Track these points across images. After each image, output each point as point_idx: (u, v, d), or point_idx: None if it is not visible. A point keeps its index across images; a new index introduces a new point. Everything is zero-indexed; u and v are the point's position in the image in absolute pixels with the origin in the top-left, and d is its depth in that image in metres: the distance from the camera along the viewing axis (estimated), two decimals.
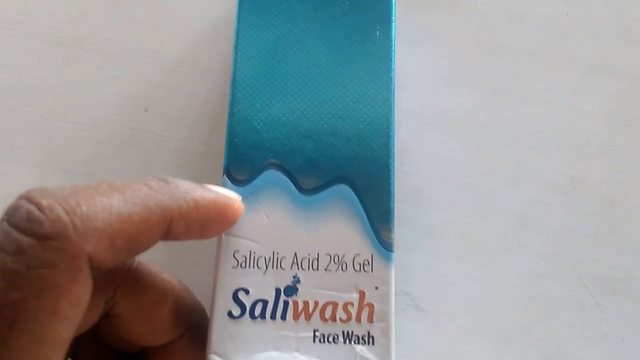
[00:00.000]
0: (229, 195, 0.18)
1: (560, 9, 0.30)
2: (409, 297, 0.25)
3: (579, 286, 0.26)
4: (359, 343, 0.18)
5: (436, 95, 0.29)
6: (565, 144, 0.28)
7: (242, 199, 0.19)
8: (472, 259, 0.26)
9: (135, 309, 0.18)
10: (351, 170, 0.20)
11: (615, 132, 0.28)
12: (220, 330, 0.18)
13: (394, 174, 0.20)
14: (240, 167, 0.20)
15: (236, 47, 0.21)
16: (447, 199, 0.27)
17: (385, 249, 0.19)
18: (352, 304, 0.18)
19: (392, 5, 0.22)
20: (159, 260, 0.25)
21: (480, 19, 0.30)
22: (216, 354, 0.18)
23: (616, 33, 0.30)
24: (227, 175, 0.20)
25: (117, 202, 0.15)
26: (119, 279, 0.18)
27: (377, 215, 0.19)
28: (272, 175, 0.20)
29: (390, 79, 0.21)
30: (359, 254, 0.19)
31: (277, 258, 0.19)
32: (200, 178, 0.26)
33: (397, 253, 0.25)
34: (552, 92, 0.29)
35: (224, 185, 0.20)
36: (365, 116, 0.20)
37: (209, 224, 0.18)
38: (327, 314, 0.18)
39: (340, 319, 0.18)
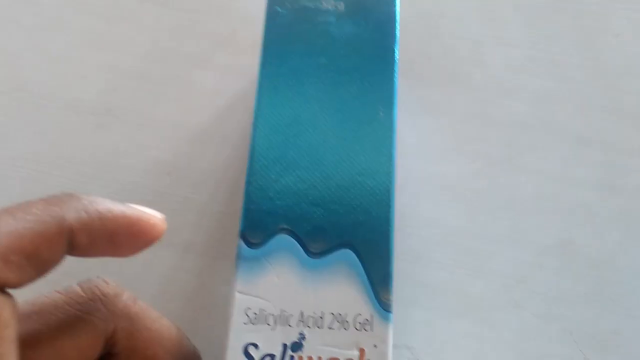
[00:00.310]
0: (145, 210, 0.18)
1: (550, 85, 0.32)
2: (410, 352, 0.27)
3: (569, 342, 0.27)
4: None
5: (435, 163, 0.31)
6: (556, 209, 0.30)
7: (256, 261, 0.21)
8: (469, 316, 0.27)
9: (133, 349, 0.19)
10: (355, 236, 0.22)
11: (603, 198, 0.30)
12: None
13: (393, 241, 0.22)
14: (254, 232, 0.22)
15: (255, 124, 0.24)
16: (445, 259, 0.29)
17: (384, 309, 0.21)
18: None
19: (394, 90, 0.24)
20: (171, 312, 0.27)
21: (475, 94, 0.32)
22: None
23: (603, 106, 0.32)
24: (242, 239, 0.22)
25: (5, 223, 0.15)
26: (118, 319, 0.19)
27: (378, 279, 0.21)
28: (283, 239, 0.22)
29: (392, 155, 0.23)
30: (360, 314, 0.21)
31: (285, 316, 0.21)
32: (220, 238, 0.29)
33: (399, 309, 0.27)
34: (543, 160, 0.31)
35: (238, 248, 0.22)
36: (369, 188, 0.23)
37: (118, 238, 0.18)
38: None
39: None
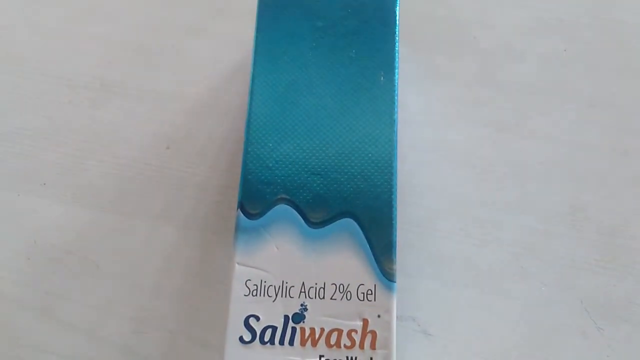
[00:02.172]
0: None
1: (558, 46, 0.31)
2: (416, 323, 0.26)
3: (580, 312, 0.26)
4: None
5: (441, 130, 0.30)
6: (567, 175, 0.29)
7: (256, 232, 0.21)
8: (477, 286, 0.27)
9: None
10: (356, 205, 0.21)
11: (615, 163, 0.29)
12: (232, 354, 0.20)
13: (396, 209, 0.21)
14: (253, 202, 0.21)
15: (251, 91, 0.23)
16: (452, 228, 0.28)
17: (388, 279, 0.20)
18: (356, 332, 0.20)
19: (395, 52, 0.23)
20: (174, 287, 0.27)
21: (481, 58, 0.31)
22: None
23: (613, 67, 0.31)
24: (240, 210, 0.21)
25: None
26: None
27: (380, 248, 0.20)
28: (283, 209, 0.21)
29: (393, 120, 0.22)
30: (362, 284, 0.20)
31: (286, 287, 0.20)
32: (221, 211, 0.28)
33: (404, 280, 0.27)
34: (553, 125, 0.30)
35: (237, 219, 0.21)
36: (370, 155, 0.22)
37: None
38: (333, 340, 0.20)
39: (345, 346, 0.20)
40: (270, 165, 0.22)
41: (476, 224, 0.28)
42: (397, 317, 0.26)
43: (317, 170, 0.22)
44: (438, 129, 0.30)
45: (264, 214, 0.21)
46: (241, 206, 0.21)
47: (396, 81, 0.23)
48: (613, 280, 0.27)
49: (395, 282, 0.20)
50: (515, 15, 0.32)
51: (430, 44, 0.32)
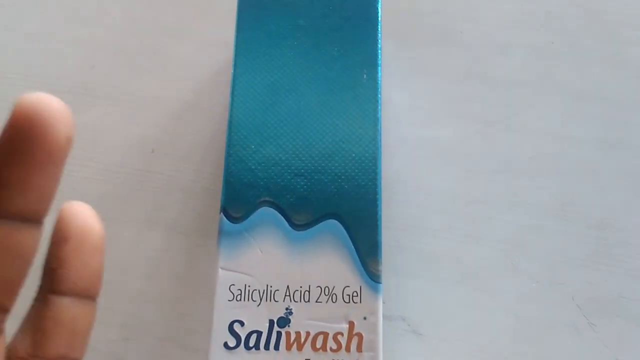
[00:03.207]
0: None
1: (546, 39, 0.31)
2: (406, 323, 0.26)
3: (572, 307, 0.26)
4: None
5: (428, 126, 0.30)
6: (556, 170, 0.28)
7: (239, 236, 0.20)
8: (467, 283, 0.27)
9: None
10: (340, 206, 0.21)
11: (604, 156, 0.29)
12: None
13: (381, 209, 0.21)
14: (236, 205, 0.21)
15: (232, 92, 0.23)
16: (441, 226, 0.28)
17: (373, 280, 0.20)
18: (342, 334, 0.19)
19: (378, 50, 0.23)
20: (161, 292, 0.27)
21: (468, 52, 0.31)
22: None
23: (601, 59, 0.30)
24: (223, 213, 0.21)
25: None
26: None
27: (365, 249, 0.20)
28: (266, 212, 0.21)
29: (377, 119, 0.22)
30: (348, 286, 0.20)
31: (271, 291, 0.20)
32: (207, 215, 0.28)
33: (393, 279, 0.26)
34: (541, 119, 0.29)
35: (220, 223, 0.21)
36: (354, 155, 0.22)
37: None
38: (319, 343, 0.19)
39: (331, 349, 0.19)
40: (253, 167, 0.21)
41: (465, 221, 0.28)
42: (387, 317, 0.26)
43: (300, 171, 0.21)
44: (425, 126, 0.30)
45: (247, 217, 0.21)
46: (224, 210, 0.21)
47: (379, 79, 0.23)
48: (604, 275, 0.26)
49: (381, 283, 0.20)
50: (502, 9, 0.32)
51: (416, 39, 0.31)
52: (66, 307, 0.16)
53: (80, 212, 0.17)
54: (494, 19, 0.32)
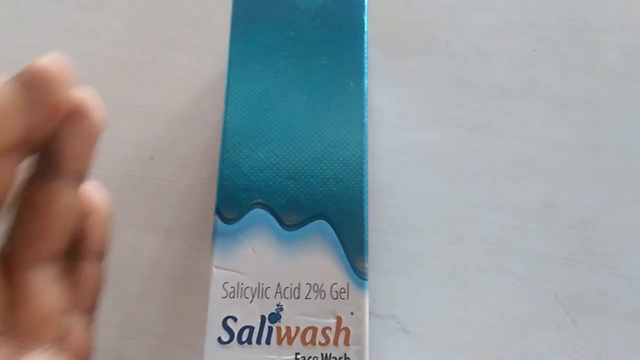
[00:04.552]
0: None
1: (528, 46, 0.32)
2: (395, 320, 0.27)
3: (555, 305, 0.27)
4: None
5: (414, 132, 0.30)
6: (538, 172, 0.29)
7: (232, 236, 0.21)
8: (453, 283, 0.27)
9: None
10: (329, 207, 0.22)
11: (584, 159, 0.29)
12: (211, 355, 0.20)
13: (367, 210, 0.22)
14: (229, 207, 0.22)
15: (226, 100, 0.24)
16: (427, 227, 0.28)
17: (360, 277, 0.21)
18: (330, 329, 0.20)
19: (364, 59, 0.24)
20: (159, 295, 0.28)
21: (452, 60, 0.32)
22: None
23: (583, 65, 0.31)
24: (217, 215, 0.22)
25: None
26: None
27: (352, 247, 0.21)
28: (258, 213, 0.22)
29: (363, 124, 0.23)
30: (336, 283, 0.21)
31: (262, 288, 0.21)
32: (204, 218, 0.29)
33: (382, 279, 0.27)
34: (523, 124, 0.30)
35: (214, 224, 0.22)
36: (341, 158, 0.23)
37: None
38: (308, 338, 0.20)
39: (320, 343, 0.20)
40: (246, 171, 0.23)
41: (451, 222, 0.29)
42: (376, 315, 0.27)
43: (290, 174, 0.22)
44: (412, 131, 0.31)
45: (240, 218, 0.22)
46: (218, 211, 0.22)
47: (365, 87, 0.24)
48: (585, 273, 0.27)
49: (367, 280, 0.21)
50: (486, 19, 0.33)
51: (404, 49, 0.32)
52: (93, 268, 0.21)
53: (93, 191, 0.21)
54: (478, 29, 0.33)
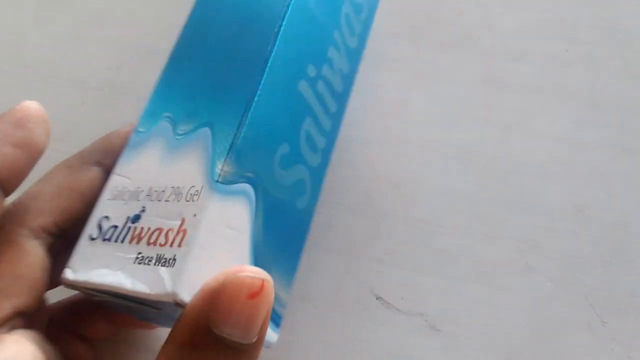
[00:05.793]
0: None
1: (560, 46, 0.31)
2: (424, 318, 0.26)
3: (585, 306, 0.26)
4: (163, 265, 0.18)
5: (445, 129, 0.30)
6: (570, 173, 0.28)
7: (136, 147, 0.22)
8: (483, 282, 0.26)
9: None
10: (217, 116, 0.21)
11: (617, 160, 0.28)
12: (80, 250, 0.20)
13: (248, 119, 0.20)
14: (144, 122, 0.23)
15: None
16: (458, 226, 0.28)
17: (216, 180, 0.19)
18: (173, 230, 0.19)
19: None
20: None
21: (485, 58, 0.31)
22: (69, 267, 0.20)
23: (614, 67, 0.30)
24: (134, 131, 0.23)
25: None
26: None
27: (219, 151, 0.19)
28: (162, 126, 0.22)
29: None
30: (193, 186, 0.19)
31: (138, 191, 0.21)
32: None
33: (412, 277, 0.27)
34: (555, 124, 0.29)
35: (131, 138, 0.22)
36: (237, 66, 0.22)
37: None
38: (152, 238, 0.19)
39: (160, 244, 0.19)
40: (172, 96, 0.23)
41: (481, 221, 0.28)
42: (405, 313, 0.26)
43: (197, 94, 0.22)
44: (443, 129, 0.29)
45: (148, 131, 0.22)
46: (136, 129, 0.23)
47: None
48: (617, 275, 0.26)
49: (223, 183, 0.19)
50: (518, 17, 0.32)
51: (435, 44, 0.31)
52: None
53: None
54: (510, 27, 0.31)
